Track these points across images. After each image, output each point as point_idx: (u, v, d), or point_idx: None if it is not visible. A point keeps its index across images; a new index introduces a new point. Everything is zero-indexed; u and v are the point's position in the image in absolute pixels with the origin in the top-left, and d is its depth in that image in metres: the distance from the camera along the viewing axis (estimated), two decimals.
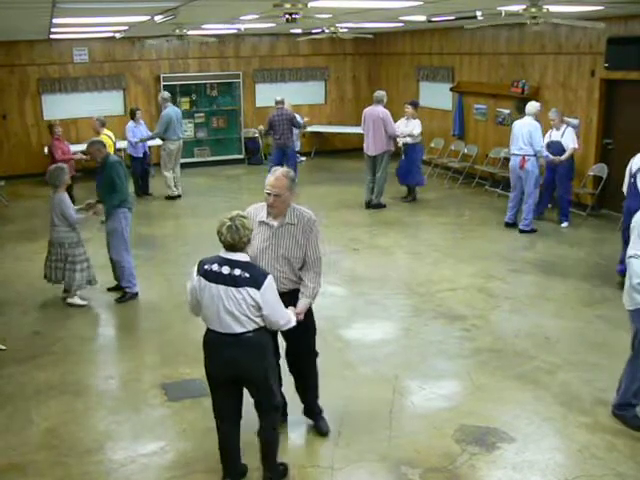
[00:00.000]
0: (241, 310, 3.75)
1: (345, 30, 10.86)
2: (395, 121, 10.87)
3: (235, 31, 12.84)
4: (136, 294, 7.25)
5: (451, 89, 13.41)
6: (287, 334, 4.26)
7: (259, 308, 3.77)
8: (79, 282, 6.97)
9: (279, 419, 4.26)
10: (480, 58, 12.64)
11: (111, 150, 9.74)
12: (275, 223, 4.28)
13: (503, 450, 4.46)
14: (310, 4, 6.23)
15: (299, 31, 13.30)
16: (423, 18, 9.90)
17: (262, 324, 3.85)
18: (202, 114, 15.01)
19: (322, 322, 6.53)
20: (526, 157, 9.23)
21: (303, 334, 4.49)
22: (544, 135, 9.49)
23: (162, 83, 14.34)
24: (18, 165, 13.57)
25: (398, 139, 10.96)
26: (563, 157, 9.50)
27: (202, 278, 3.81)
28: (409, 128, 10.97)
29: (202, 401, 5.16)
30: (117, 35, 12.68)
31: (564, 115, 9.94)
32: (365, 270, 8.08)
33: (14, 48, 13.28)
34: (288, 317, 3.97)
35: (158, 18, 8.18)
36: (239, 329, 3.79)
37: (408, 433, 4.69)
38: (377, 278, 7.78)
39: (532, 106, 9.44)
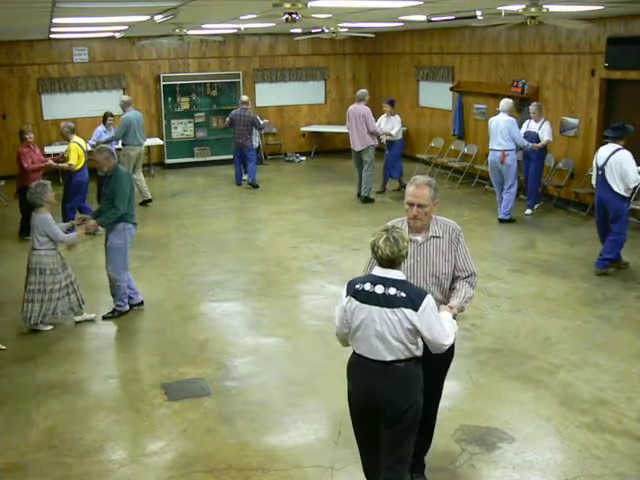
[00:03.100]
0: (395, 335, 3.39)
1: (345, 30, 10.87)
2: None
3: (235, 31, 12.84)
4: (126, 312, 6.86)
5: (451, 89, 13.41)
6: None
7: (416, 333, 3.40)
8: (60, 309, 6.45)
9: (408, 470, 3.75)
10: (480, 58, 12.64)
11: (82, 162, 9.34)
12: (419, 238, 3.86)
13: (503, 450, 4.46)
14: (310, 4, 6.22)
15: (299, 31, 13.30)
16: (423, 18, 9.90)
17: (416, 354, 3.49)
18: (202, 114, 14.99)
19: (322, 322, 6.56)
20: (506, 152, 9.69)
21: (438, 366, 3.96)
22: (521, 126, 10.15)
23: (162, 83, 14.36)
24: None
25: (381, 137, 11.56)
26: (540, 144, 10.01)
27: (352, 299, 3.47)
28: (389, 125, 11.65)
29: (202, 401, 5.17)
30: (117, 35, 12.67)
31: (567, 115, 10.05)
32: None
33: (14, 48, 13.28)
34: (451, 335, 3.51)
35: (158, 18, 8.18)
36: (389, 357, 3.43)
37: None
38: None
39: (506, 103, 9.89)
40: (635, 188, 7.47)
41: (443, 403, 5.02)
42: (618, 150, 7.37)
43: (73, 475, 4.29)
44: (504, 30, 11.62)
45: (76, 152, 9.36)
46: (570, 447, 4.47)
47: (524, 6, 6.31)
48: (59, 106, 13.83)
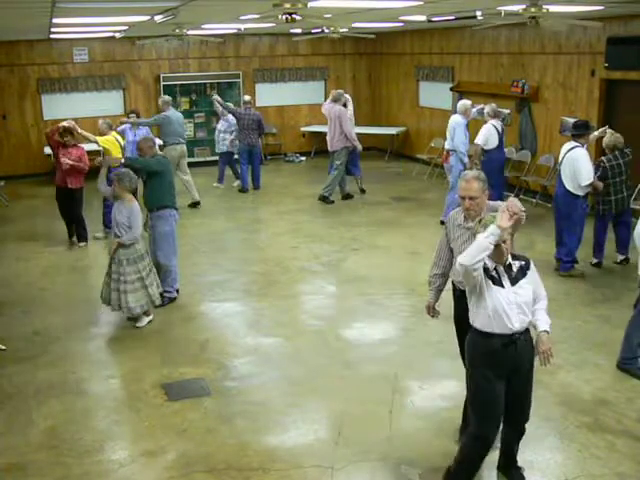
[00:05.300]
0: None
1: (345, 30, 10.86)
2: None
3: (235, 31, 12.84)
4: (174, 299, 7.12)
5: (451, 89, 13.41)
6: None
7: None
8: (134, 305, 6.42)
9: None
10: (480, 58, 12.64)
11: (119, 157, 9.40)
12: (473, 224, 4.15)
13: None
14: (310, 4, 6.21)
15: (299, 31, 13.30)
16: (423, 18, 9.90)
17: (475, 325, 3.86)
18: (202, 114, 14.99)
19: (322, 322, 6.57)
20: (450, 152, 9.76)
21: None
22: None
23: (162, 83, 14.36)
24: (18, 165, 13.56)
25: (356, 145, 11.32)
26: (466, 160, 9.65)
27: None
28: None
29: (202, 401, 5.17)
30: (117, 35, 12.68)
31: (567, 115, 9.97)
32: (365, 270, 8.08)
33: (14, 48, 13.28)
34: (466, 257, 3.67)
35: (158, 18, 8.18)
36: None
37: (408, 433, 4.69)
38: (377, 278, 7.78)
39: (461, 104, 9.89)
40: (588, 187, 7.44)
41: (442, 403, 5.05)
42: (575, 147, 7.41)
43: (73, 475, 4.29)
44: (504, 30, 11.64)
45: (117, 147, 9.30)
46: (570, 447, 4.48)
47: (524, 6, 6.32)
48: (59, 106, 13.80)
